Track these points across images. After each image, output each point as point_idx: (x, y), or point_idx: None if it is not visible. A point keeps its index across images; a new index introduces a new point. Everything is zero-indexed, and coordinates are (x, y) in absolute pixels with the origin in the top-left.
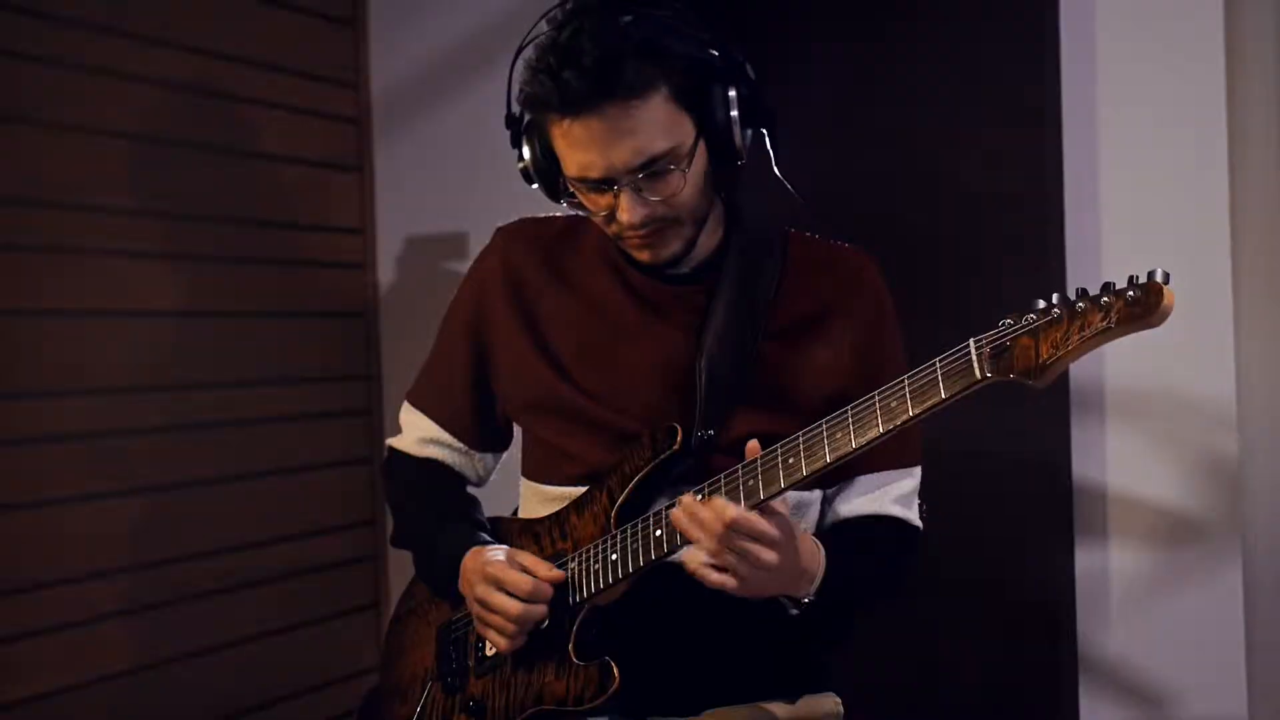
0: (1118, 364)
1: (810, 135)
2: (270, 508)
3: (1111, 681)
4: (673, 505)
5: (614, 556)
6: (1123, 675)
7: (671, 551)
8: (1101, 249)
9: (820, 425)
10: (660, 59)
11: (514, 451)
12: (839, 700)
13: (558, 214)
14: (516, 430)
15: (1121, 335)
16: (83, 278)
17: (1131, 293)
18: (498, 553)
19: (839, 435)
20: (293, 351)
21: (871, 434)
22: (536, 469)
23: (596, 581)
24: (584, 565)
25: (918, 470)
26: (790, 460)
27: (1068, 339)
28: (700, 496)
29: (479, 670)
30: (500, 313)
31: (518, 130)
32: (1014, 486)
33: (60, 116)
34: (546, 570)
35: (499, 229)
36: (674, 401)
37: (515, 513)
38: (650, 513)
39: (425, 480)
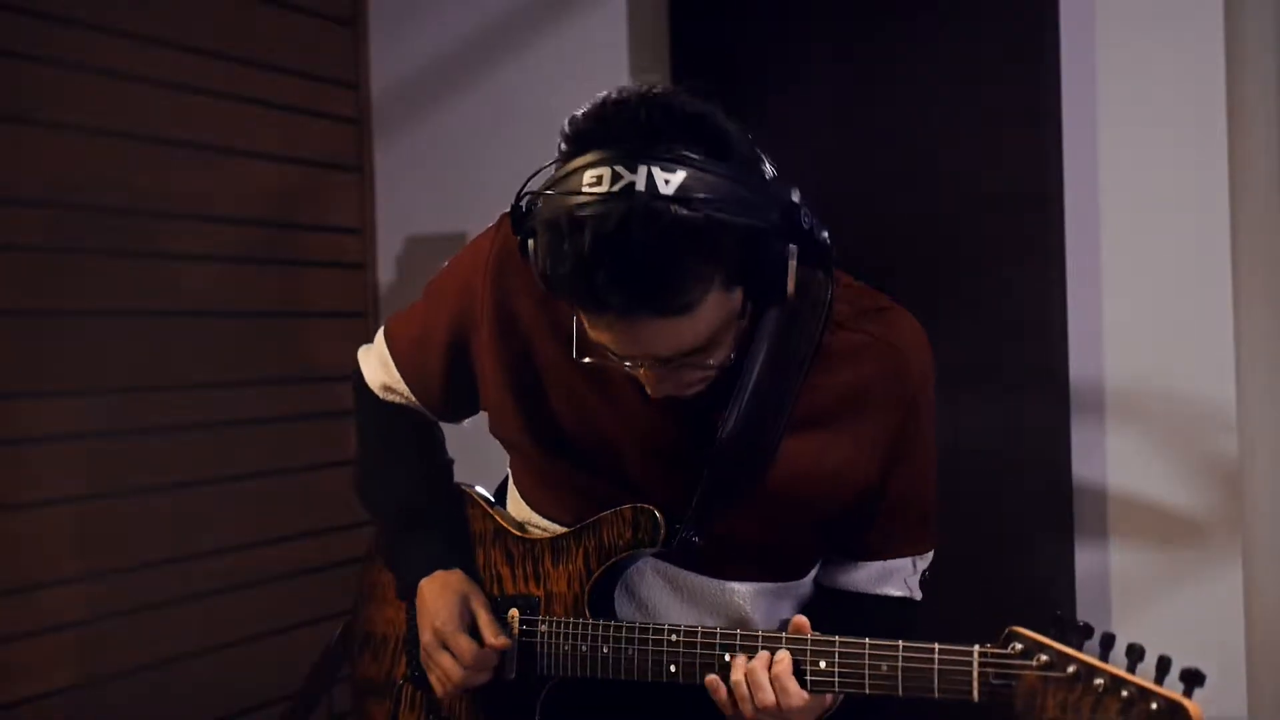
0: (1118, 364)
1: (811, 136)
2: (270, 508)
3: None
4: (654, 641)
5: (584, 648)
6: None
7: (641, 678)
8: (1101, 249)
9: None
10: (717, 250)
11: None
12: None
13: None
14: None
15: None
16: (83, 278)
17: (1156, 705)
18: (452, 599)
19: (822, 664)
20: (293, 351)
21: (855, 689)
22: (521, 482)
23: (564, 665)
24: (554, 638)
25: (930, 553)
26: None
27: (1079, 709)
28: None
29: None
30: (486, 338)
31: (525, 229)
32: (1014, 486)
33: (60, 116)
34: (493, 637)
35: (496, 226)
36: (672, 485)
37: (504, 480)
38: (624, 623)
39: (394, 438)
